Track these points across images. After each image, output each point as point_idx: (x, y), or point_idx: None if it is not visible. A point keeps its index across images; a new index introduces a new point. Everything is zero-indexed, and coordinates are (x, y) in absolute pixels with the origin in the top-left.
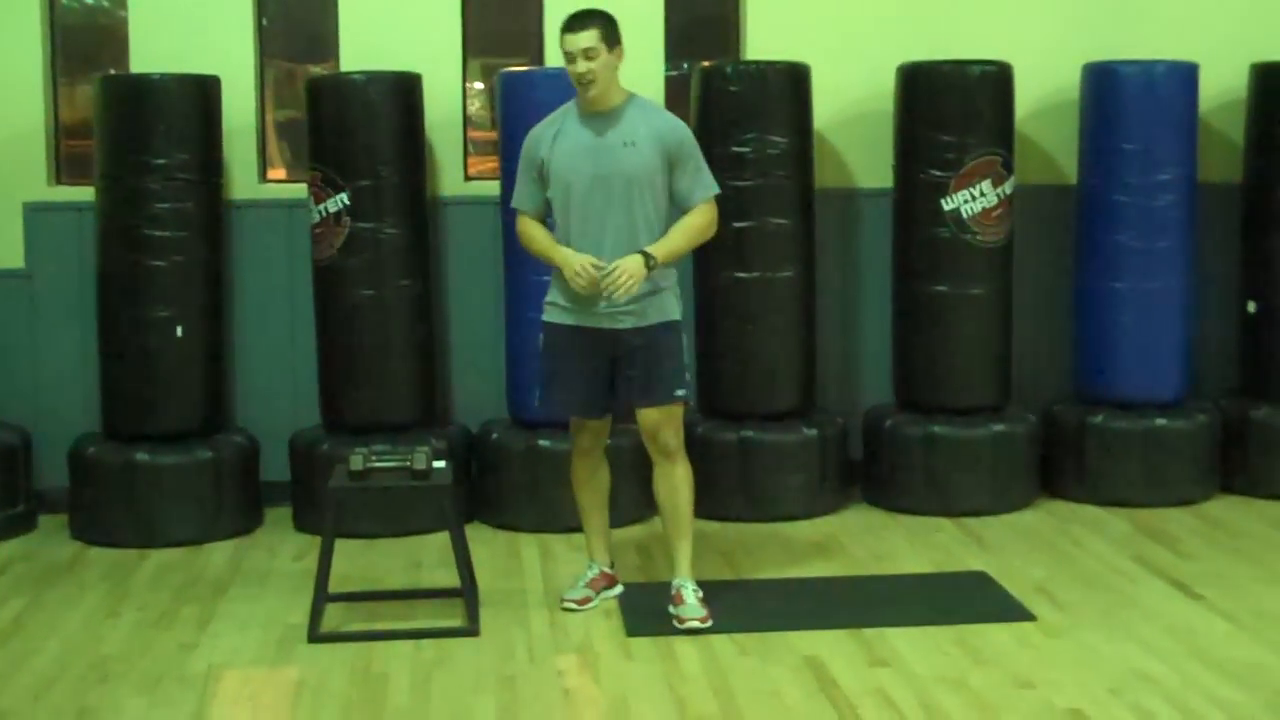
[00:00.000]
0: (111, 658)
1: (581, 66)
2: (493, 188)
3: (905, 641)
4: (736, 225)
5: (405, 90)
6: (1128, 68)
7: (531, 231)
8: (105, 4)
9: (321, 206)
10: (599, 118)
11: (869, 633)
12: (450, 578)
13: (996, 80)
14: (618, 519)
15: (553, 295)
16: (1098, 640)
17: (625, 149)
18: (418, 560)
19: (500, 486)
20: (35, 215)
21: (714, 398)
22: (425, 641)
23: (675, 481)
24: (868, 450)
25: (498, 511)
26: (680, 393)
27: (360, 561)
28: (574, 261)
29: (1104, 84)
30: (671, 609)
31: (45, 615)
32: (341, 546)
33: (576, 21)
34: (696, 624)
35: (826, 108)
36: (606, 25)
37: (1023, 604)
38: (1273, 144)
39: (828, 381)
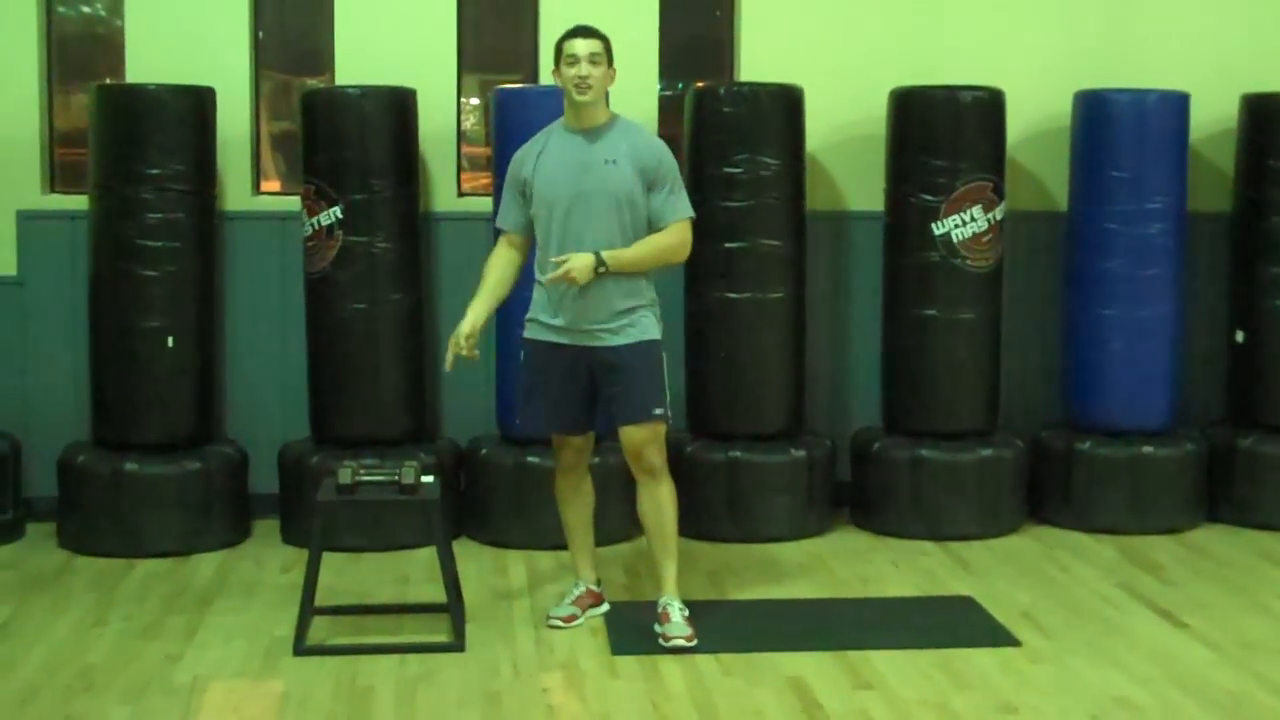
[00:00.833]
0: (97, 667)
1: (584, 69)
2: (485, 204)
3: (889, 665)
4: (727, 246)
5: (400, 105)
6: (1119, 96)
7: (489, 266)
8: (102, 14)
9: (314, 219)
10: (583, 135)
11: (854, 655)
12: (437, 593)
13: (988, 106)
14: (604, 537)
15: (533, 311)
16: (1082, 666)
17: (607, 166)
18: (404, 575)
19: (488, 502)
20: (29, 223)
21: (703, 418)
22: (410, 656)
23: (659, 500)
24: (855, 473)
25: (485, 527)
26: (658, 411)
27: (347, 575)
28: (460, 328)
29: (1095, 112)
30: (657, 627)
31: (32, 623)
32: (329, 560)
33: (585, 29)
34: (682, 643)
35: (819, 130)
36: (608, 42)
37: (1008, 629)
38: (1263, 175)
39: (816, 403)
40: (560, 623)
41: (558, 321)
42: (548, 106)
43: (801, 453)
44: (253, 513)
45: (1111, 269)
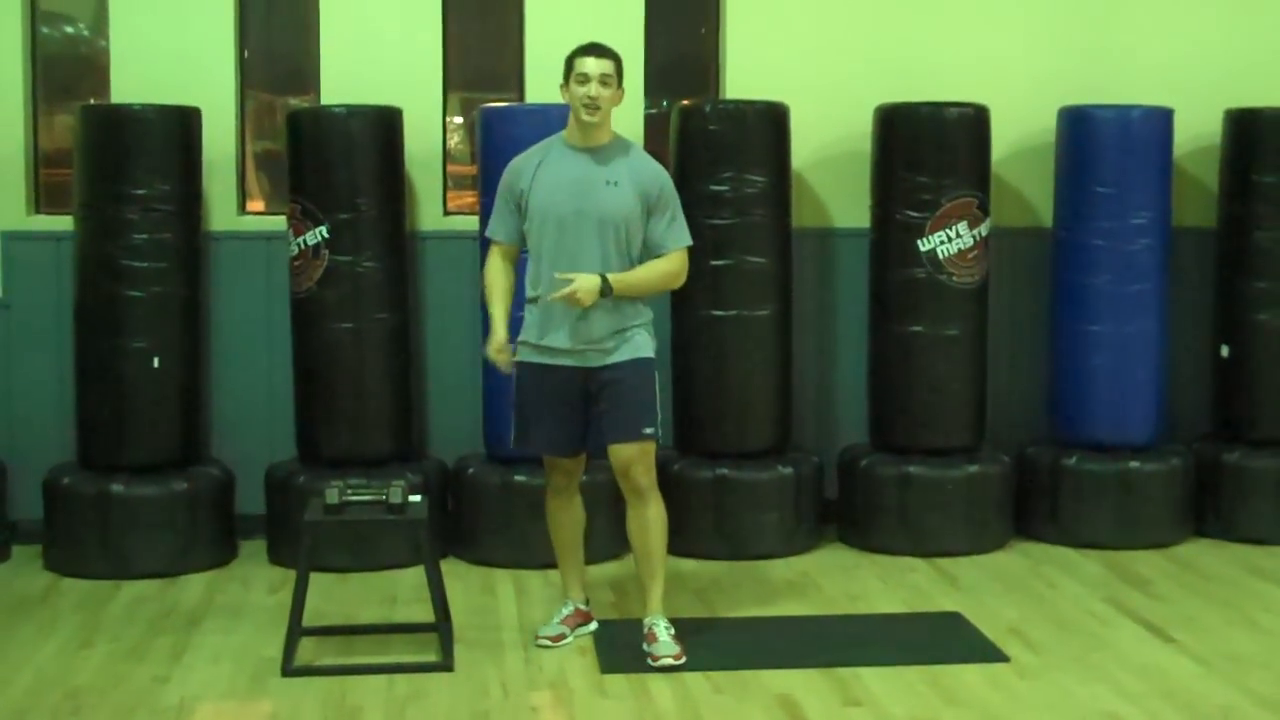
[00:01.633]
0: (84, 689)
1: (594, 90)
2: (471, 223)
3: (879, 681)
4: (714, 263)
5: (385, 124)
6: (1103, 112)
7: (492, 276)
8: (86, 34)
9: (300, 239)
10: (585, 153)
11: (843, 672)
12: (425, 612)
13: (973, 123)
14: (591, 556)
15: (525, 334)
16: (1070, 682)
17: (608, 187)
18: (392, 595)
19: (475, 521)
20: (13, 244)
21: (690, 435)
22: (399, 676)
23: (647, 520)
24: (843, 489)
25: (473, 546)
26: (649, 430)
27: (335, 595)
28: (492, 342)
29: (1080, 128)
30: (645, 647)
31: (18, 646)
32: (316, 580)
33: (598, 48)
34: (670, 661)
35: (805, 147)
36: (620, 62)
37: (996, 645)
38: (1246, 189)
39: (803, 420)
40: (549, 642)
41: (549, 342)
42: (533, 125)
43: (789, 470)
44: (240, 533)
45: (1097, 284)
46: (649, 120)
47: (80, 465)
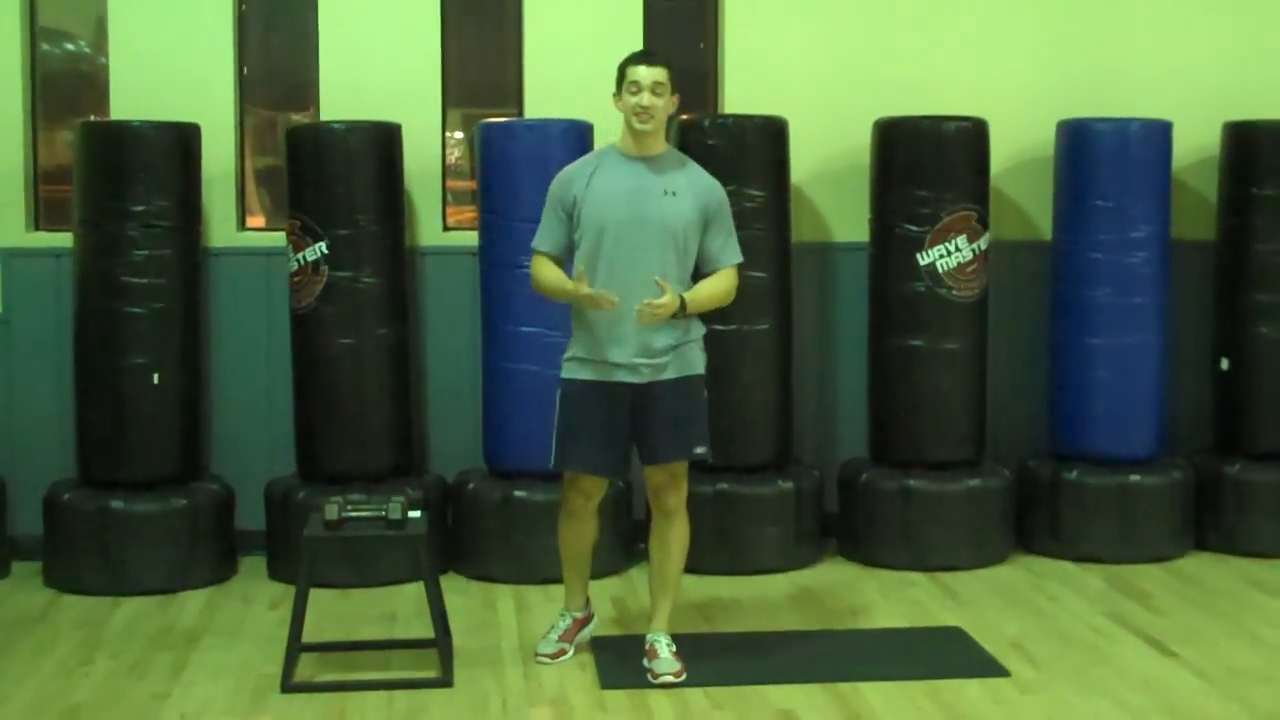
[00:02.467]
0: (84, 706)
1: (647, 100)
2: (471, 238)
3: (879, 696)
4: None
5: (385, 140)
6: (1102, 125)
7: (545, 271)
8: (86, 51)
9: (300, 255)
10: (641, 162)
11: (843, 687)
12: (425, 628)
13: (972, 136)
14: (594, 570)
15: (572, 350)
16: (1071, 696)
17: (666, 197)
18: (392, 610)
19: (476, 537)
20: (13, 261)
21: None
22: (399, 692)
23: (668, 539)
24: (843, 504)
25: (473, 562)
26: (701, 449)
27: (334, 611)
28: (581, 289)
29: (1078, 141)
30: (645, 663)
31: (17, 663)
32: (316, 596)
33: (650, 55)
34: (670, 678)
35: (804, 162)
36: (673, 70)
37: (997, 659)
38: (1245, 202)
39: (804, 435)
40: (547, 660)
41: (605, 356)
42: (532, 140)
43: (789, 484)
44: (239, 549)
45: (1096, 298)
46: None
47: (80, 481)
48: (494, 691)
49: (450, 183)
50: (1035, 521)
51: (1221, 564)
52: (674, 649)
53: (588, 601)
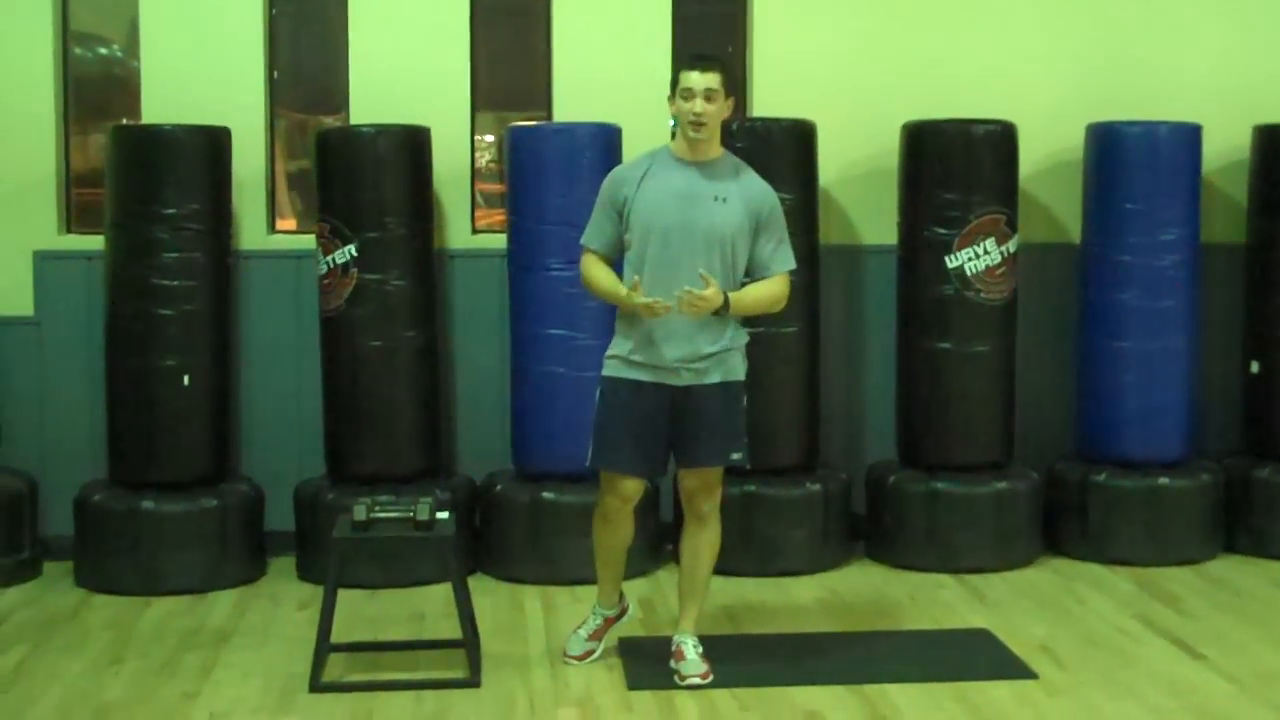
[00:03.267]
0: (114, 705)
1: (699, 106)
2: (500, 240)
3: (906, 698)
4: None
5: (414, 143)
6: (1131, 128)
7: (595, 271)
8: (118, 55)
9: (329, 258)
10: (693, 166)
11: (870, 689)
12: (452, 629)
13: (1001, 139)
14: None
15: (615, 348)
16: (1099, 699)
17: (716, 203)
18: (420, 611)
19: (504, 538)
20: (45, 263)
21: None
22: (426, 693)
23: (698, 544)
24: (871, 506)
25: (501, 563)
26: (737, 455)
27: (363, 612)
28: (636, 298)
29: (1108, 144)
30: (672, 664)
31: (48, 662)
32: (344, 596)
33: (702, 60)
34: (697, 680)
35: (832, 164)
36: (727, 73)
37: (1025, 662)
38: (1276, 205)
39: (831, 437)
40: (575, 661)
41: (646, 358)
42: (561, 144)
43: (817, 486)
44: (269, 550)
45: (1125, 301)
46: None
47: (111, 482)
48: (521, 692)
49: (479, 186)
50: (1064, 524)
51: (1251, 567)
52: (701, 651)
53: (621, 596)
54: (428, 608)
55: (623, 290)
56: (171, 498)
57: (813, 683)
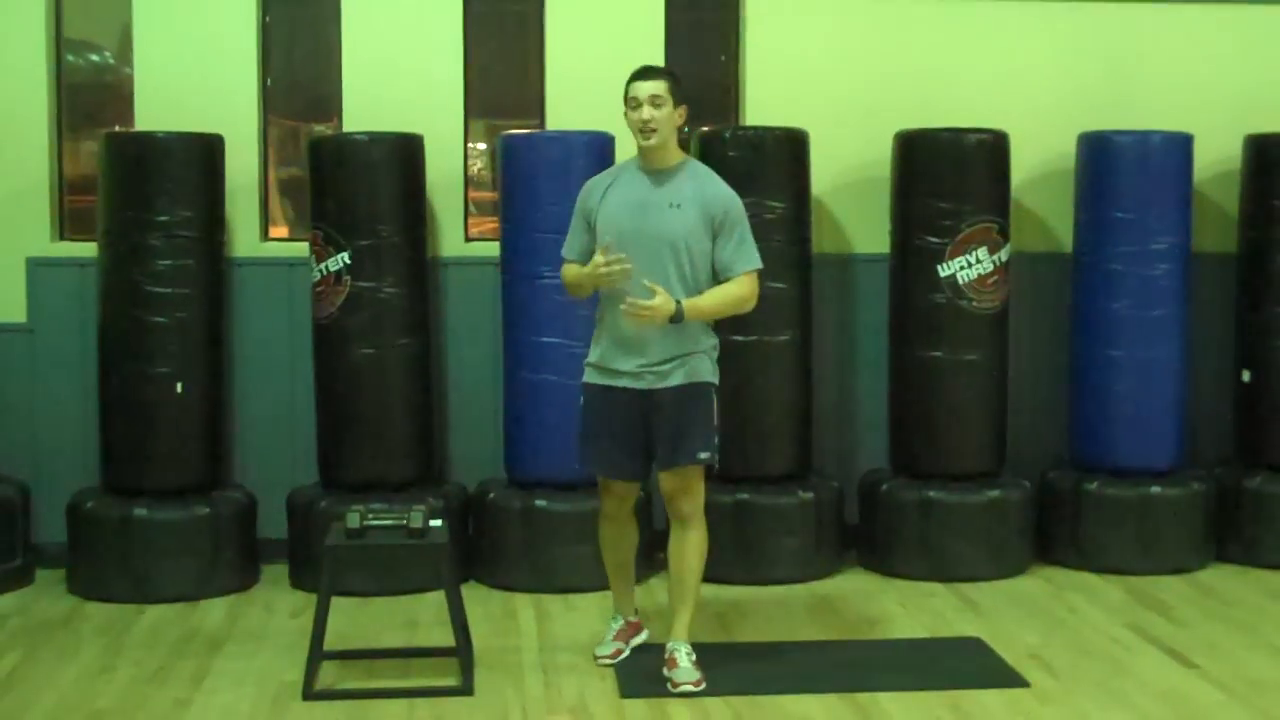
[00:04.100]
0: (106, 713)
1: (646, 113)
2: (493, 248)
3: (899, 706)
4: None
5: (407, 151)
6: (1123, 138)
7: (570, 272)
8: (111, 62)
9: (322, 265)
10: (653, 175)
11: (862, 697)
12: (446, 637)
13: (993, 148)
14: None
15: (590, 356)
16: (1091, 707)
17: (670, 210)
18: (413, 619)
19: (497, 546)
20: (38, 270)
21: (708, 469)
22: (419, 700)
23: (684, 547)
24: (863, 514)
25: (494, 571)
26: (704, 455)
27: (356, 619)
28: (596, 260)
29: (1099, 153)
30: (665, 672)
31: (40, 670)
32: (337, 604)
33: (648, 70)
34: (689, 688)
35: (824, 173)
36: (675, 81)
37: (1016, 670)
38: (1267, 215)
39: (824, 445)
40: (609, 660)
41: (610, 364)
42: (554, 151)
43: (809, 495)
44: (261, 558)
45: (1117, 310)
46: None
47: (103, 489)
48: (514, 700)
49: (472, 193)
50: (1055, 533)
51: (1242, 576)
52: (694, 658)
53: (636, 611)
54: (420, 615)
55: (586, 269)
56: (164, 505)
57: (805, 691)
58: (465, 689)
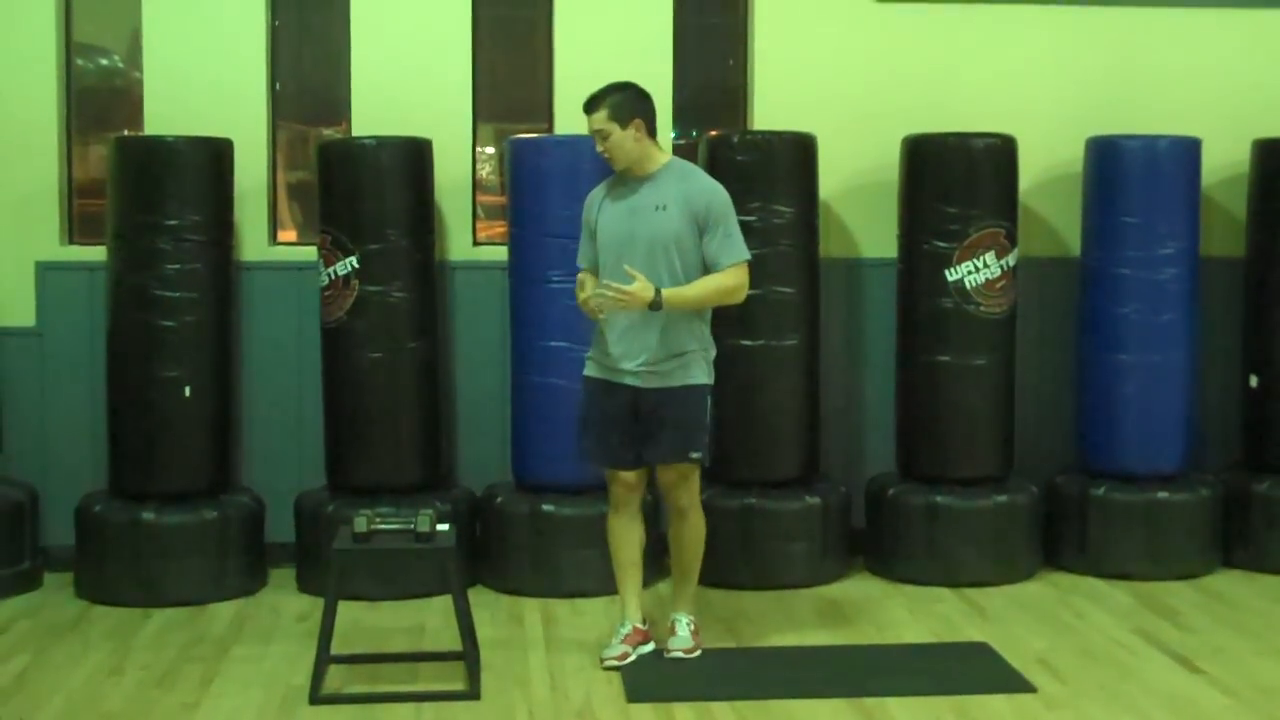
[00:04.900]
0: (114, 715)
1: (599, 146)
2: (501, 253)
3: (905, 711)
4: None
5: (415, 155)
6: (1131, 142)
7: (580, 284)
8: (120, 66)
9: (331, 269)
10: (638, 181)
11: (869, 702)
12: (452, 641)
13: (1001, 153)
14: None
15: (591, 352)
16: (1098, 713)
17: (657, 212)
18: (420, 623)
19: (504, 550)
20: (47, 274)
21: (717, 465)
22: (426, 705)
23: (682, 534)
24: (870, 519)
25: (501, 575)
26: (696, 454)
27: (363, 623)
28: (586, 284)
29: (1107, 158)
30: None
31: (49, 673)
32: (345, 608)
33: (589, 103)
34: (681, 654)
35: (832, 178)
36: (616, 104)
37: (1023, 675)
38: (1275, 219)
39: (831, 450)
40: (615, 663)
41: (610, 361)
42: (561, 155)
43: (816, 499)
44: (269, 561)
45: (1125, 314)
46: (678, 150)
47: (112, 493)
48: (520, 704)
49: (480, 197)
50: (1063, 537)
51: (1250, 581)
52: (693, 628)
53: (645, 619)
54: (428, 620)
55: (578, 292)
56: (172, 509)
57: (812, 696)
58: (472, 693)
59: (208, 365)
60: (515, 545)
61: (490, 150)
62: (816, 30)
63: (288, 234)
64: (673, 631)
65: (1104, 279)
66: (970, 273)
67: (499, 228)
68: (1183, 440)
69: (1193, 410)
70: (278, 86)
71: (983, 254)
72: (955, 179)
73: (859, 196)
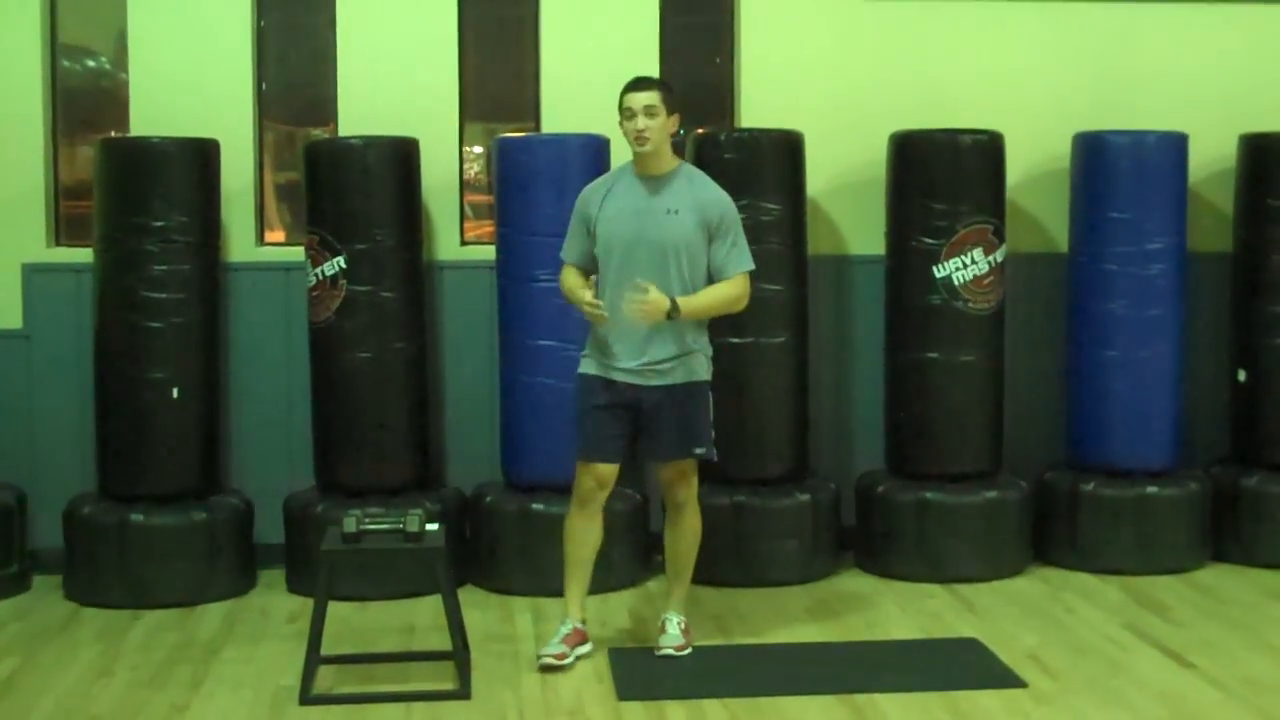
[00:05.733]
0: (104, 717)
1: (640, 123)
2: (489, 252)
3: (896, 707)
4: None
5: (403, 155)
6: (1118, 138)
7: (568, 279)
8: (106, 67)
9: (318, 269)
10: (649, 182)
11: (860, 699)
12: (442, 641)
13: (988, 149)
14: (610, 582)
15: (586, 349)
16: (1088, 708)
17: (668, 216)
18: (410, 623)
19: (493, 549)
20: (34, 276)
21: (707, 463)
22: (416, 705)
23: (679, 529)
24: (860, 516)
25: (491, 575)
26: (699, 450)
27: (353, 624)
28: (585, 297)
29: (1095, 153)
30: (657, 639)
31: (38, 675)
32: (334, 609)
33: (640, 81)
34: (671, 652)
35: (820, 175)
36: (667, 90)
37: (1014, 671)
38: (1262, 214)
39: (820, 447)
40: (553, 661)
41: (610, 360)
42: (549, 154)
43: (806, 497)
44: (258, 562)
45: (1113, 310)
46: None
47: (100, 495)
48: (511, 704)
49: (468, 197)
50: (1052, 533)
51: (1239, 575)
52: (683, 626)
53: (584, 620)
54: (417, 620)
55: (579, 293)
56: (161, 510)
57: (802, 692)
58: (462, 693)
59: (195, 366)
60: (505, 545)
61: (478, 149)
62: (803, 28)
63: (275, 234)
64: (663, 629)
65: (1092, 274)
66: (958, 269)
67: (487, 227)
68: (1171, 435)
69: (1181, 405)
70: (264, 87)
71: (970, 250)
72: (943, 175)
73: (847, 193)
